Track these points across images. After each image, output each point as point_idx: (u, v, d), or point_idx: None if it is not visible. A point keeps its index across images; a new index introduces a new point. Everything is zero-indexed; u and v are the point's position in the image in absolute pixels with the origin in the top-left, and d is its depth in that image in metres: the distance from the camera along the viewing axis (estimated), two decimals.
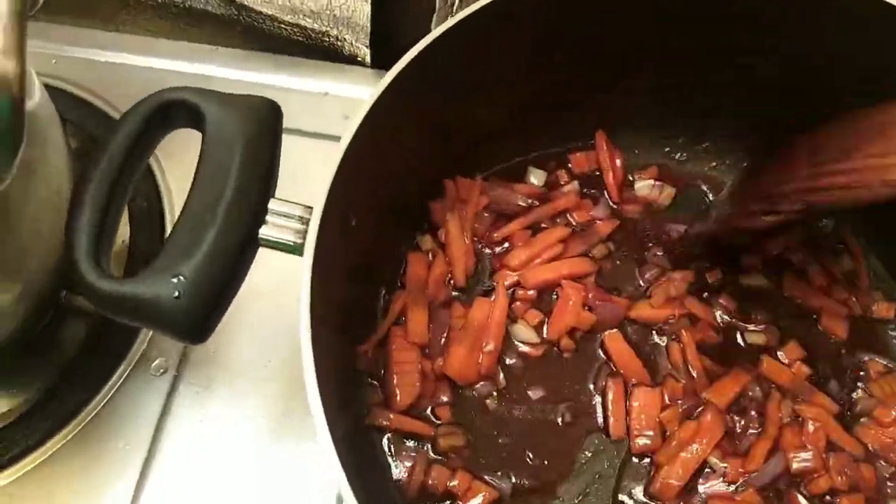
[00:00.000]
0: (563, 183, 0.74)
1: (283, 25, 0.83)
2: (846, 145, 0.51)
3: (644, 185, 0.74)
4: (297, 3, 0.79)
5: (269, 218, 0.50)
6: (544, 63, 0.64)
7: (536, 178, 0.74)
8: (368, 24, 0.79)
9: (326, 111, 0.83)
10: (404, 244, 0.69)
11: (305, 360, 0.46)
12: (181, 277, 0.47)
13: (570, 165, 0.75)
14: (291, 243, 0.50)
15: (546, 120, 0.72)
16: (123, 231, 0.75)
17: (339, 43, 0.83)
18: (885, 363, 0.67)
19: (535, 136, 0.73)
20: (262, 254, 0.51)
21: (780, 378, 0.65)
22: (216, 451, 0.67)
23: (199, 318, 0.49)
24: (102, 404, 0.68)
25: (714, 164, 0.76)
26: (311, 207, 0.49)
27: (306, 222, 0.49)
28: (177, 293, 0.47)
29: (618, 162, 0.74)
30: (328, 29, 0.81)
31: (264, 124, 0.52)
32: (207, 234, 0.48)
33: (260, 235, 0.50)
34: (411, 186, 0.65)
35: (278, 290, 0.61)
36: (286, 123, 0.76)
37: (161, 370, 0.70)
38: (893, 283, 0.72)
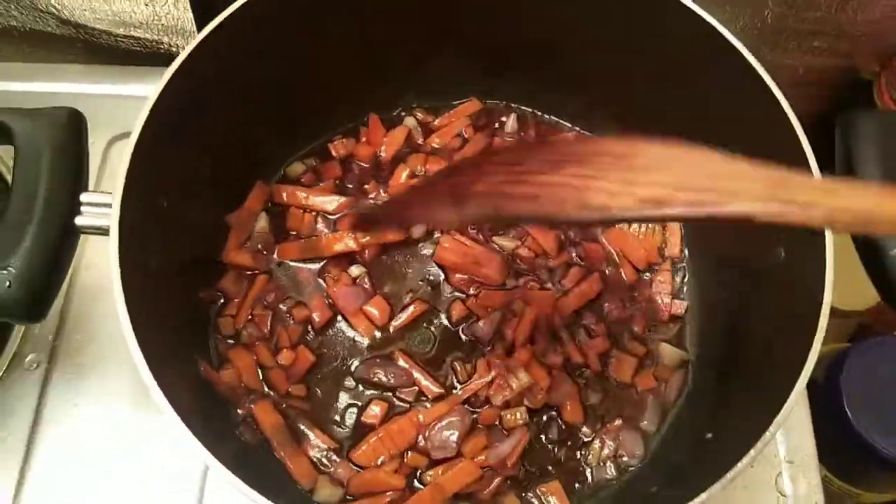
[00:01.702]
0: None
1: (118, 38, 0.89)
2: (553, 159, 0.46)
3: None
4: (125, 17, 0.86)
5: (83, 209, 0.58)
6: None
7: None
8: (195, 30, 0.86)
9: None
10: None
11: (125, 329, 0.54)
12: (10, 269, 0.55)
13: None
14: (105, 227, 0.57)
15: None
16: None
17: (173, 49, 0.90)
18: None
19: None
20: None
21: None
22: (91, 430, 0.74)
23: (32, 301, 0.56)
24: None
25: None
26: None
27: None
28: (7, 283, 0.55)
29: None
30: (160, 38, 0.88)
31: (69, 131, 0.60)
32: (28, 229, 0.56)
33: (77, 224, 0.58)
34: (220, 169, 0.72)
35: None
36: (127, 127, 0.84)
37: (34, 364, 0.76)
38: None
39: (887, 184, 0.59)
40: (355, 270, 0.76)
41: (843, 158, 0.63)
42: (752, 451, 0.52)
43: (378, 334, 0.74)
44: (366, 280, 0.76)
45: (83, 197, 0.58)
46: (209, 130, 0.68)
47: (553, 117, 0.85)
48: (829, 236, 0.56)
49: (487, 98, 0.85)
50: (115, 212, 0.56)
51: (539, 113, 0.86)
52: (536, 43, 0.76)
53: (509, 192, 0.47)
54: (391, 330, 0.74)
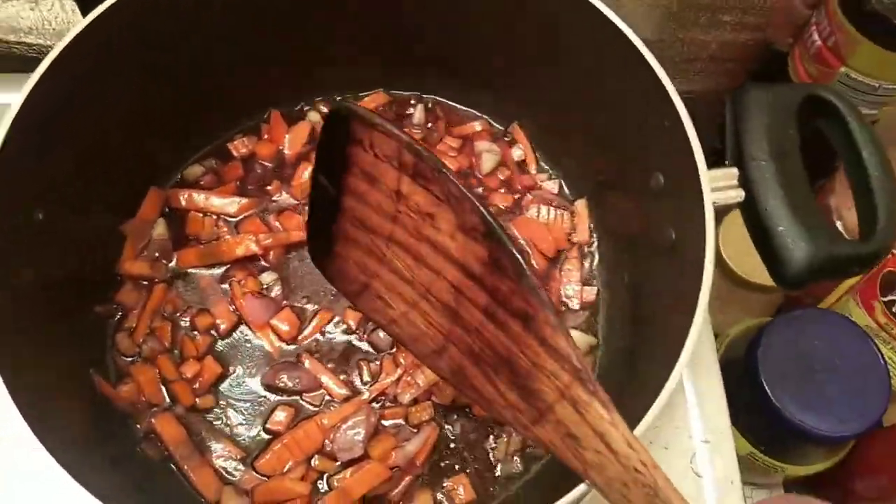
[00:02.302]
0: None
1: (11, 45, 0.87)
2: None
3: None
4: (13, 23, 0.83)
5: None
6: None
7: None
8: None
9: None
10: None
11: None
12: None
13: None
14: None
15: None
16: None
17: None
18: None
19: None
20: None
21: None
22: None
23: None
24: None
25: None
26: None
27: None
28: None
29: None
30: (52, 42, 0.85)
31: None
32: None
33: None
34: (109, 176, 0.69)
35: None
36: None
37: None
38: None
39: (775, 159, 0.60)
40: (266, 277, 0.74)
41: (732, 135, 0.62)
42: (642, 422, 0.51)
43: (285, 346, 0.72)
44: (274, 288, 0.74)
45: None
46: (90, 135, 0.65)
47: (462, 106, 0.84)
48: (709, 215, 0.56)
49: (392, 89, 0.84)
50: None
51: (449, 102, 0.84)
52: (437, 34, 0.75)
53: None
54: (298, 340, 0.72)
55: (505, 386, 0.47)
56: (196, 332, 0.72)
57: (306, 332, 0.72)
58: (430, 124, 0.83)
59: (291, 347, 0.72)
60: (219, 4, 0.68)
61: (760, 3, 0.87)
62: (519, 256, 0.45)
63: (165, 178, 0.77)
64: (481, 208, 0.46)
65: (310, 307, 0.74)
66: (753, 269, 0.89)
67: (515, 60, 0.75)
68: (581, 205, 0.79)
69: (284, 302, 0.74)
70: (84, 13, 0.80)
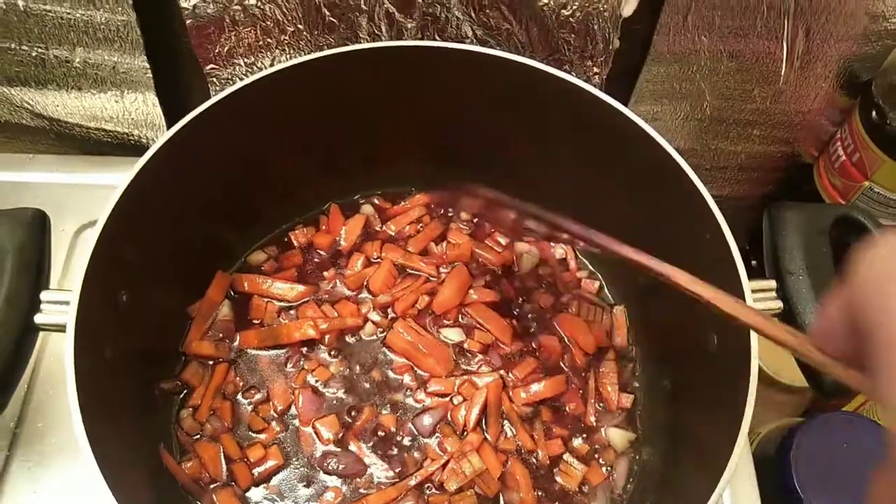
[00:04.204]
0: None
1: (90, 130, 0.93)
2: None
3: None
4: (96, 112, 0.89)
5: (43, 307, 0.61)
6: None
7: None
8: (164, 123, 0.90)
9: None
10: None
11: (79, 438, 0.55)
12: None
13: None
14: (62, 325, 0.59)
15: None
16: None
17: (143, 140, 0.94)
18: None
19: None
20: None
21: None
22: None
23: None
24: None
25: None
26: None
27: None
28: None
29: None
30: (130, 130, 0.92)
31: (32, 230, 0.62)
32: None
33: (36, 322, 0.60)
34: (182, 260, 0.74)
35: None
36: (94, 216, 0.86)
37: None
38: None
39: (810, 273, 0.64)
40: (331, 368, 0.78)
41: (769, 249, 0.67)
42: None
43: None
44: (330, 383, 0.77)
45: (43, 295, 0.61)
46: (172, 222, 0.70)
47: None
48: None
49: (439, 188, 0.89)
50: (73, 310, 0.58)
51: None
52: (481, 145, 0.80)
53: None
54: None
55: None
56: (254, 412, 0.75)
57: (353, 428, 0.75)
58: (475, 219, 0.88)
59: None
60: (293, 118, 0.75)
61: (788, 119, 0.92)
62: None
63: (231, 263, 0.83)
64: None
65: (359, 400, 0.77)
66: (782, 368, 0.92)
67: (553, 166, 0.79)
68: (620, 311, 0.83)
69: (336, 398, 0.77)
70: (164, 107, 0.87)
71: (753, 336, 0.58)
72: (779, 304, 0.63)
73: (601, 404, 0.78)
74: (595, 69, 0.75)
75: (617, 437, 0.76)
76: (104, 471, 0.53)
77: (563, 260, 0.87)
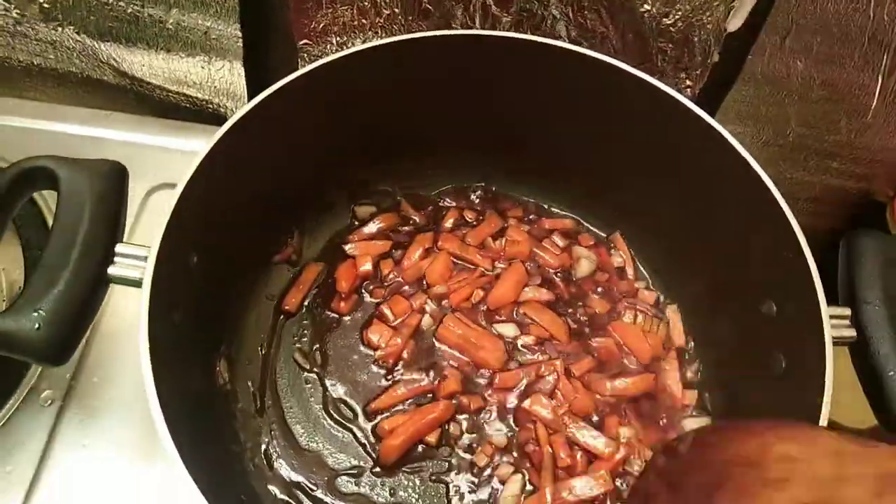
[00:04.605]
0: None
1: (170, 94, 0.94)
2: (700, 482, 0.51)
3: None
4: (181, 75, 0.90)
5: (116, 259, 0.61)
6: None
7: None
8: (245, 95, 0.91)
9: None
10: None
11: (148, 386, 0.55)
12: (41, 312, 0.57)
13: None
14: (135, 279, 0.60)
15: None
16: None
17: (221, 109, 0.95)
18: None
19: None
20: None
21: None
22: (97, 473, 0.75)
23: (58, 345, 0.58)
24: None
25: None
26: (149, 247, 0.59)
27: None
28: (37, 325, 0.57)
29: None
30: (210, 98, 0.93)
31: (111, 182, 0.63)
32: (62, 275, 0.58)
33: (108, 274, 0.60)
34: (255, 235, 0.75)
35: None
36: (168, 179, 0.87)
37: (49, 401, 0.78)
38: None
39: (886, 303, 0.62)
40: None
41: (845, 277, 0.65)
42: None
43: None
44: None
45: (118, 248, 0.61)
46: (246, 194, 0.71)
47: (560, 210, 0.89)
48: (829, 351, 0.58)
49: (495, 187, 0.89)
50: (151, 265, 0.58)
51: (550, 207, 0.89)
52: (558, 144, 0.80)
53: None
54: None
55: None
56: None
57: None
58: (530, 216, 0.88)
59: None
60: (370, 100, 0.74)
61: (870, 155, 0.90)
62: None
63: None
64: None
65: None
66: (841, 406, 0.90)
67: (630, 173, 0.79)
68: (672, 310, 0.82)
69: None
70: (248, 79, 0.87)
71: (829, 362, 0.57)
72: (852, 333, 0.62)
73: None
74: (688, 81, 0.74)
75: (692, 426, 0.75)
76: (173, 434, 0.53)
77: (621, 268, 0.86)
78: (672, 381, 0.78)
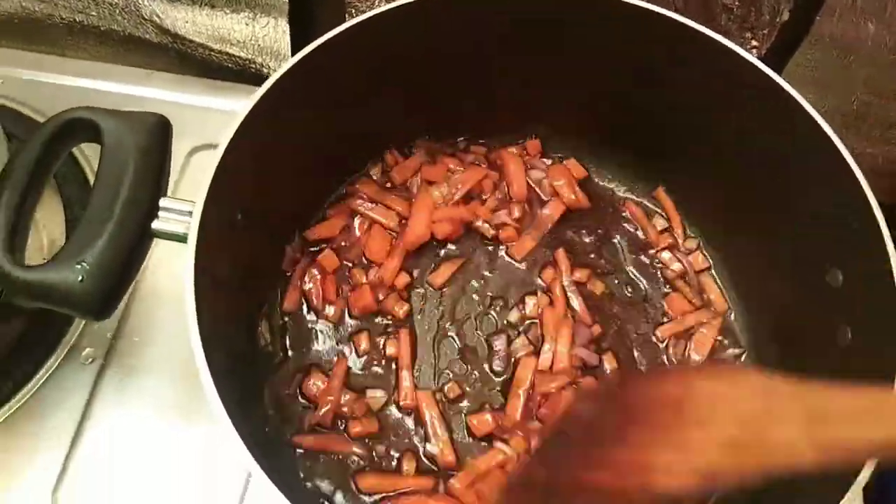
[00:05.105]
0: None
1: (212, 53, 0.92)
2: (619, 423, 0.47)
3: None
4: (224, 33, 0.88)
5: (160, 213, 0.59)
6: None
7: None
8: (289, 54, 0.89)
9: None
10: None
11: (193, 340, 0.53)
12: (84, 264, 0.56)
13: None
14: (179, 234, 0.58)
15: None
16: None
17: (264, 69, 0.93)
18: None
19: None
20: None
21: None
22: (137, 431, 0.75)
23: (101, 298, 0.57)
24: (35, 389, 0.75)
25: None
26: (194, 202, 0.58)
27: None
28: (80, 277, 0.56)
29: None
30: (253, 57, 0.91)
31: (155, 136, 0.61)
32: (106, 227, 0.57)
33: (152, 228, 0.59)
34: (298, 194, 0.73)
35: None
36: (210, 139, 0.85)
37: (90, 359, 0.78)
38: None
39: None
40: None
41: None
42: None
43: None
44: None
45: (162, 202, 0.60)
46: (288, 153, 0.69)
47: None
48: None
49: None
50: (196, 220, 0.57)
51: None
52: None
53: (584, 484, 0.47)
54: None
55: None
56: None
57: None
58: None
59: None
60: (419, 57, 0.72)
61: None
62: None
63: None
64: None
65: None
66: None
67: (690, 138, 0.76)
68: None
69: None
70: (293, 37, 0.85)
71: None
72: None
73: None
74: (754, 42, 0.71)
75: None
76: (220, 390, 0.52)
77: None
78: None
